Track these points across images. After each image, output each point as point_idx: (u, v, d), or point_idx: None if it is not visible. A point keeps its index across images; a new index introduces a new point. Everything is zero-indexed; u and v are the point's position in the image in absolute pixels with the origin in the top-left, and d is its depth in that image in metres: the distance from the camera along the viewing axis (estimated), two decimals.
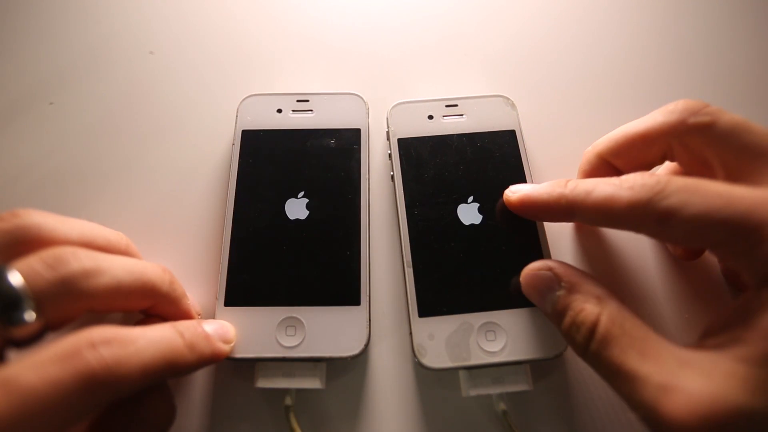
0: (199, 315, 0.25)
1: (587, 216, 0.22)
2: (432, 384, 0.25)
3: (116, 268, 0.20)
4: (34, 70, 0.34)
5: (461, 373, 0.24)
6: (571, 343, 0.21)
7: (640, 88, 0.33)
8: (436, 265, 0.26)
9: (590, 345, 0.20)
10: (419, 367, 0.25)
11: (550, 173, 0.30)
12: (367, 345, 0.24)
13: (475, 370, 0.24)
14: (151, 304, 0.23)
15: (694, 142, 0.22)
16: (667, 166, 0.27)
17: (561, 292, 0.22)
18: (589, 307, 0.20)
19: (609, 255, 0.28)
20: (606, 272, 0.28)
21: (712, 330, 0.19)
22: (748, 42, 0.35)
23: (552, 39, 0.35)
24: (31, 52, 0.35)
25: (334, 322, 0.24)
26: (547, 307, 0.22)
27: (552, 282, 0.22)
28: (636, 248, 0.28)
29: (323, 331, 0.24)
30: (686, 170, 0.24)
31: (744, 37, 0.35)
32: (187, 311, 0.24)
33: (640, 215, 0.20)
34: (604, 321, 0.20)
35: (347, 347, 0.24)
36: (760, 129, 0.21)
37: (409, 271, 0.25)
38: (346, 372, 0.26)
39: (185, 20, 0.36)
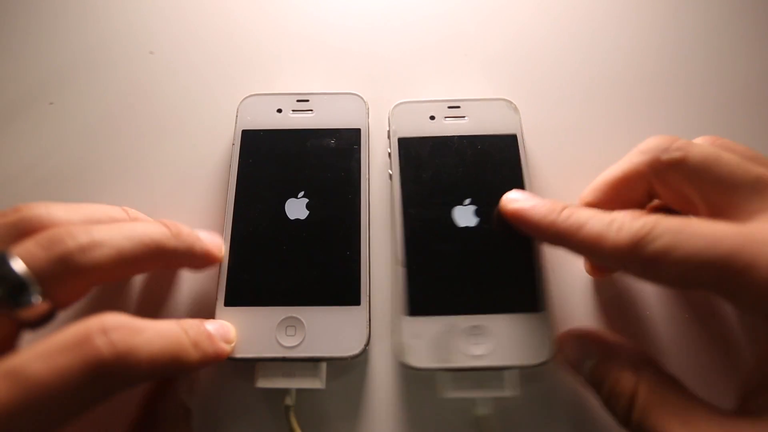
0: (220, 250, 0.25)
1: (575, 250, 0.22)
2: (432, 384, 0.25)
3: (115, 238, 0.20)
4: (34, 70, 0.34)
5: (439, 374, 0.24)
6: (613, 414, 0.20)
7: (642, 90, 0.33)
8: (427, 265, 0.25)
9: (632, 416, 0.19)
10: (405, 367, 0.25)
11: (550, 177, 0.30)
12: (367, 345, 0.24)
13: (460, 373, 0.24)
14: (163, 264, 0.22)
15: (671, 179, 0.22)
16: (656, 203, 0.26)
17: (595, 361, 0.21)
18: (626, 375, 0.20)
19: None
20: (604, 280, 0.28)
21: (750, 387, 0.19)
22: (750, 43, 0.35)
23: (553, 39, 0.35)
24: (31, 52, 0.35)
25: (334, 322, 0.24)
26: (584, 375, 0.22)
27: (586, 349, 0.22)
28: None
29: (323, 331, 0.24)
30: (671, 207, 0.24)
31: (746, 38, 0.35)
32: (205, 253, 0.24)
33: (626, 260, 0.19)
34: (642, 390, 0.19)
35: (347, 347, 0.24)
36: (729, 159, 0.20)
37: (400, 270, 0.25)
38: (346, 372, 0.26)
39: (185, 20, 0.36)
